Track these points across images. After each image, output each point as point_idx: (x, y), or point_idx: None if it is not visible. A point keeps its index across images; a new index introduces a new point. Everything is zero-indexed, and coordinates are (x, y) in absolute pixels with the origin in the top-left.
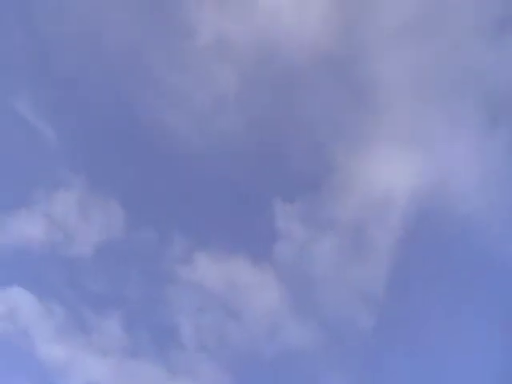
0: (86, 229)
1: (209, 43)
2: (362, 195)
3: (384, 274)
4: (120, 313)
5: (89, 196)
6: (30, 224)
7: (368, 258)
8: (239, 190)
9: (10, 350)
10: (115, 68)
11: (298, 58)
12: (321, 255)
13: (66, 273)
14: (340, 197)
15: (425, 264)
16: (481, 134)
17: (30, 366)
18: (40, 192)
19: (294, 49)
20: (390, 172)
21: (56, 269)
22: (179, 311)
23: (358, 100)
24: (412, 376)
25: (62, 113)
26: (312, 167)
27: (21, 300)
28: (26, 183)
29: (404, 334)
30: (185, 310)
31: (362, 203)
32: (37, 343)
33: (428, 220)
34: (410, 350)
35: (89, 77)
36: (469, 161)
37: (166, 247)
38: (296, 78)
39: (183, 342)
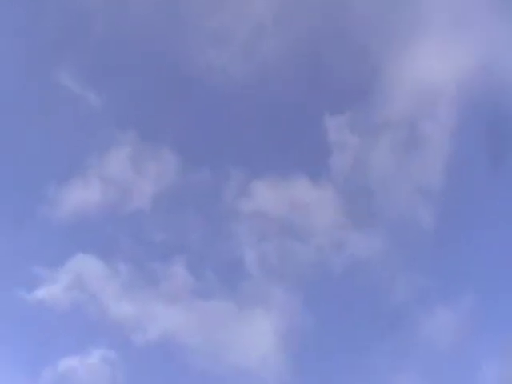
0: (142, 182)
1: None
2: (410, 92)
3: (441, 169)
4: (185, 258)
5: (140, 149)
6: (87, 189)
7: (424, 155)
8: (287, 112)
9: (83, 317)
10: (151, 19)
11: None
12: (377, 160)
13: (127, 230)
14: (389, 98)
15: (480, 153)
16: None
17: (105, 329)
18: (92, 156)
19: None
20: (436, 65)
21: (117, 228)
22: (243, 244)
23: None
24: (479, 270)
25: (102, 74)
26: (357, 73)
27: (86, 266)
28: (77, 150)
29: (466, 230)
30: (248, 241)
31: (412, 100)
32: (108, 305)
33: (478, 109)
34: (474, 244)
35: (124, 33)
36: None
37: (222, 184)
38: None
39: (250, 273)
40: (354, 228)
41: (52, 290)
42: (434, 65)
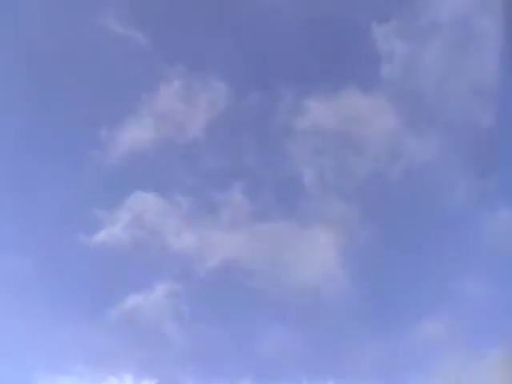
0: (194, 113)
1: None
2: None
3: (496, 66)
4: (242, 183)
5: (188, 81)
6: (139, 127)
7: (478, 54)
8: (334, 25)
9: (145, 254)
10: None
11: None
12: (429, 64)
13: (183, 162)
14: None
15: None
16: None
17: (167, 263)
18: (143, 95)
19: None
20: None
21: (173, 162)
22: (299, 162)
23: None
24: None
25: (145, 12)
26: None
27: (145, 203)
28: (127, 90)
29: None
30: (304, 159)
31: None
32: (169, 239)
33: None
34: None
35: None
36: None
37: (274, 104)
38: None
39: (308, 191)
40: (410, 135)
41: (112, 231)
42: None
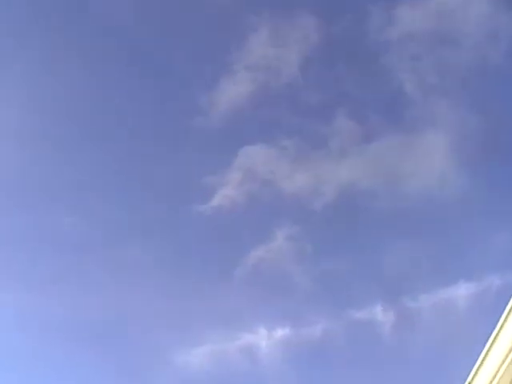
0: (286, 54)
1: None
2: None
3: None
4: (345, 109)
5: (275, 24)
6: (236, 83)
7: None
8: None
9: (261, 206)
10: None
11: None
12: None
13: (284, 105)
14: None
15: None
16: None
17: (284, 208)
18: (234, 51)
19: None
20: None
21: (273, 108)
22: (399, 72)
23: None
24: None
25: None
26: None
27: (253, 156)
28: (218, 50)
29: None
30: (403, 67)
31: None
32: (283, 184)
33: None
34: None
35: None
36: None
37: (365, 22)
38: None
39: (413, 99)
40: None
41: (226, 193)
42: None
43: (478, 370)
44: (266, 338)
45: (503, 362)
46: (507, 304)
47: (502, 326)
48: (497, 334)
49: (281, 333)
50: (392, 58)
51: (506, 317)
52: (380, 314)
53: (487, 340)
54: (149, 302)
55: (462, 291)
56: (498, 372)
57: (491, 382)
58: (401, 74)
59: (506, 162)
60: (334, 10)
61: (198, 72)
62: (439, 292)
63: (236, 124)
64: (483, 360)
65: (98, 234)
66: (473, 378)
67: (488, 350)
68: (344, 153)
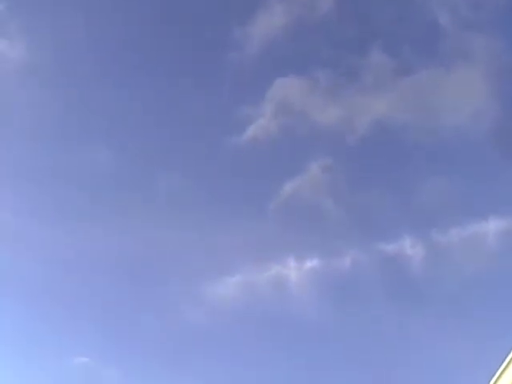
0: None
1: None
2: None
3: None
4: (379, 42)
5: None
6: (270, 16)
7: None
8: None
9: (294, 137)
10: None
11: None
12: None
13: (317, 37)
14: None
15: None
16: None
17: (317, 140)
18: None
19: None
20: None
21: (307, 40)
22: (432, 5)
23: None
24: None
25: None
26: None
27: (287, 88)
28: None
29: None
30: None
31: None
32: (316, 116)
33: None
34: None
35: None
36: None
37: None
38: None
39: (446, 33)
40: None
41: (260, 124)
42: None
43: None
44: (296, 269)
45: None
46: None
47: None
48: None
49: (310, 264)
50: None
51: None
52: (409, 248)
53: None
54: (181, 234)
55: (492, 227)
56: None
57: None
58: (436, 7)
59: None
60: None
61: (232, 5)
62: (469, 227)
63: (270, 56)
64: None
65: (132, 169)
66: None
67: None
68: (378, 86)
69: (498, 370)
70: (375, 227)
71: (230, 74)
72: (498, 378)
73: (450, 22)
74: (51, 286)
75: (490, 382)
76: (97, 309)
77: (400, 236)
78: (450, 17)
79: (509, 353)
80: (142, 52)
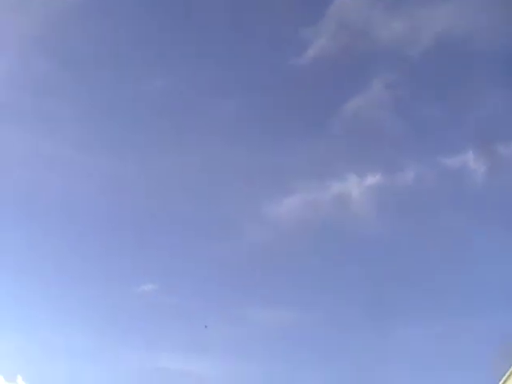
0: None
1: None
2: None
3: None
4: None
5: None
6: None
7: None
8: None
9: (356, 54)
10: None
11: None
12: None
13: None
14: None
15: None
16: None
17: (381, 55)
18: None
19: None
20: None
21: None
22: None
23: None
24: None
25: None
26: None
27: (348, 4)
28: None
29: None
30: None
31: None
32: (378, 32)
33: None
34: None
35: None
36: None
37: None
38: None
39: None
40: None
41: (320, 44)
42: None
43: None
44: (357, 186)
45: None
46: None
47: None
48: None
49: (372, 180)
50: None
51: None
52: (472, 161)
53: None
54: (243, 155)
55: None
56: None
57: None
58: None
59: None
60: None
61: None
62: None
63: None
64: None
65: (193, 94)
66: None
67: None
68: None
69: None
70: (438, 142)
71: None
72: None
73: None
74: (118, 213)
75: None
76: (161, 234)
77: (463, 150)
78: None
79: None
80: None
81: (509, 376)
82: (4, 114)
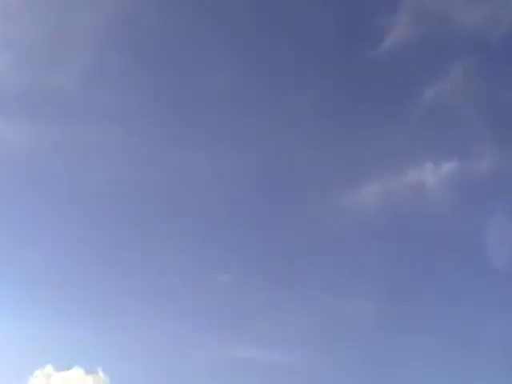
0: None
1: None
2: None
3: None
4: None
5: None
6: None
7: None
8: None
9: (434, 41)
10: None
11: None
12: None
13: None
14: None
15: None
16: None
17: (459, 41)
18: None
19: None
20: None
21: None
22: None
23: None
24: None
25: None
26: None
27: None
28: None
29: None
30: None
31: None
32: (456, 17)
33: None
34: None
35: None
36: None
37: None
38: None
39: None
40: None
41: (398, 33)
42: None
43: None
44: (433, 174)
45: None
46: None
47: None
48: None
49: (447, 167)
50: None
51: None
52: None
53: None
54: (321, 146)
55: None
56: None
57: None
58: None
59: None
60: None
61: None
62: None
63: None
64: None
65: (267, 88)
66: None
67: None
68: None
69: None
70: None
71: None
72: None
73: None
74: (196, 206)
75: None
76: (238, 229)
77: None
78: None
79: None
80: None
81: None
82: (78, 108)
